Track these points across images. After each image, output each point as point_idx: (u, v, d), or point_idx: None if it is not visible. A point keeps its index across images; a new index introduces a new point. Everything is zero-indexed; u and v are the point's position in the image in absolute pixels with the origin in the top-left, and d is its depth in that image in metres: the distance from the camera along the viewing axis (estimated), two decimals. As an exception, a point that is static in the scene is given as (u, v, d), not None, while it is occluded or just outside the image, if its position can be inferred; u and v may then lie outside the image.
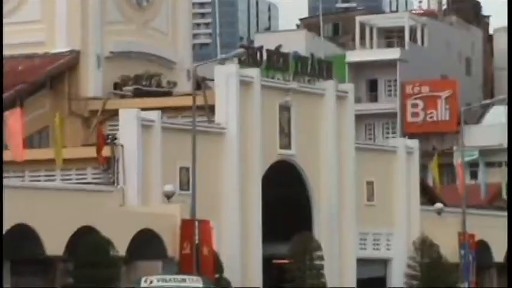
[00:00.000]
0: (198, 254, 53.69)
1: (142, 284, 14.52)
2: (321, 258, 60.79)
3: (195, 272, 53.94)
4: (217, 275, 55.13)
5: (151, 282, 14.23)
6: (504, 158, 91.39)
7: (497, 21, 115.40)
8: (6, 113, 57.17)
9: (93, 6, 64.54)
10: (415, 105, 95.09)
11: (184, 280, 16.01)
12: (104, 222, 52.22)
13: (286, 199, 61.73)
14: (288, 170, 62.88)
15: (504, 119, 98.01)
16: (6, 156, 54.55)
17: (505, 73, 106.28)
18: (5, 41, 63.42)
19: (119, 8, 66.09)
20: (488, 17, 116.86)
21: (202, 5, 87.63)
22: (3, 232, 48.41)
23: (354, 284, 64.57)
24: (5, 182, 53.66)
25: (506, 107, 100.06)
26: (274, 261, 61.04)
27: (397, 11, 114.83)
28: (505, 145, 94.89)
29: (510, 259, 25.28)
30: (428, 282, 65.38)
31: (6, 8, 65.43)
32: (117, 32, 65.60)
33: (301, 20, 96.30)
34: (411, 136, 78.69)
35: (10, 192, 51.65)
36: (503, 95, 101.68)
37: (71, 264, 51.80)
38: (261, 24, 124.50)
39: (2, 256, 18.02)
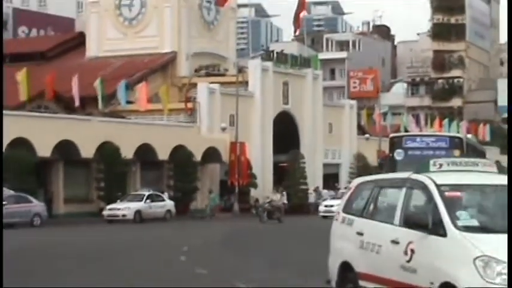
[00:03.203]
0: (239, 160, 54.11)
1: (431, 168, 10.08)
2: (304, 163, 60.52)
3: (236, 170, 54.99)
4: (248, 171, 55.36)
5: (440, 165, 9.37)
6: (403, 110, 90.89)
7: (398, 38, 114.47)
8: (138, 85, 57.43)
9: (184, 28, 64.12)
10: (355, 82, 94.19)
11: (476, 164, 10.93)
12: (189, 143, 52.34)
13: (285, 132, 61.29)
14: (287, 116, 62.07)
15: (402, 90, 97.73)
16: (136, 107, 55.02)
17: (403, 66, 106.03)
18: (136, 46, 63.44)
19: (198, 29, 65.59)
20: (394, 35, 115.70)
21: (242, 28, 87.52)
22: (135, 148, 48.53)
23: (321, 177, 64.12)
24: (137, 120, 53.99)
25: (404, 84, 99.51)
26: (279, 164, 60.87)
27: (345, 31, 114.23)
28: (403, 103, 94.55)
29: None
30: (360, 176, 64.91)
31: (137, 28, 65.00)
32: (197, 42, 65.05)
33: (295, 36, 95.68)
34: (353, 99, 78.03)
35: (140, 127, 51.89)
36: (402, 77, 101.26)
37: (172, 165, 52.11)
38: (273, 38, 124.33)
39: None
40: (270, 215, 43.56)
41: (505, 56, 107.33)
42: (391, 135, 32.40)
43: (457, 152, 27.28)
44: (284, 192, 50.38)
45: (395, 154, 28.12)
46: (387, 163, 29.48)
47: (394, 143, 28.85)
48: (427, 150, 27.80)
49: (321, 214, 47.14)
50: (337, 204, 40.28)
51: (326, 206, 48.68)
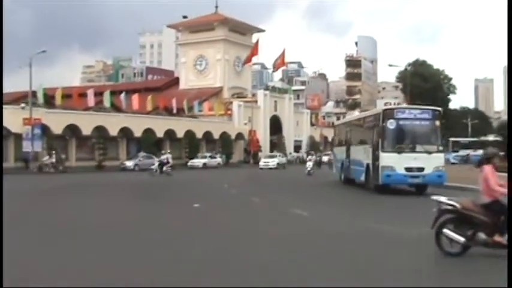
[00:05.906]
0: (252, 139, 52.73)
1: None
2: (284, 140, 59.88)
3: (251, 144, 52.12)
4: (257, 144, 54.44)
5: None
6: (332, 114, 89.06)
7: (330, 79, 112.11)
8: (204, 102, 55.86)
9: (226, 74, 62.47)
10: (309, 101, 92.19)
11: None
12: (229, 130, 51.10)
13: (275, 127, 60.33)
14: (276, 118, 60.83)
15: (332, 105, 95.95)
16: (203, 113, 52.71)
17: (333, 93, 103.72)
18: (203, 83, 61.07)
19: (233, 75, 63.80)
20: (328, 78, 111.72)
21: (254, 74, 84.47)
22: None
23: (293, 147, 61.59)
24: (203, 119, 51.29)
25: (333, 102, 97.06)
26: (273, 141, 59.85)
27: (304, 76, 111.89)
28: (332, 111, 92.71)
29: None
30: (314, 148, 63.28)
31: (204, 75, 63.04)
32: (232, 81, 63.66)
33: (280, 79, 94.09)
34: (309, 109, 76.51)
35: (205, 123, 50.05)
36: (332, 98, 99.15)
37: (220, 141, 49.98)
38: (269, 79, 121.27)
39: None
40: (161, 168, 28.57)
41: (380, 88, 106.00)
42: (384, 107, 18.16)
43: (437, 122, 17.16)
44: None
45: (388, 124, 16.82)
46: (379, 131, 16.79)
47: (387, 114, 17.03)
48: (415, 120, 16.98)
49: (260, 167, 40.27)
50: (272, 161, 34.88)
51: (264, 162, 41.11)
